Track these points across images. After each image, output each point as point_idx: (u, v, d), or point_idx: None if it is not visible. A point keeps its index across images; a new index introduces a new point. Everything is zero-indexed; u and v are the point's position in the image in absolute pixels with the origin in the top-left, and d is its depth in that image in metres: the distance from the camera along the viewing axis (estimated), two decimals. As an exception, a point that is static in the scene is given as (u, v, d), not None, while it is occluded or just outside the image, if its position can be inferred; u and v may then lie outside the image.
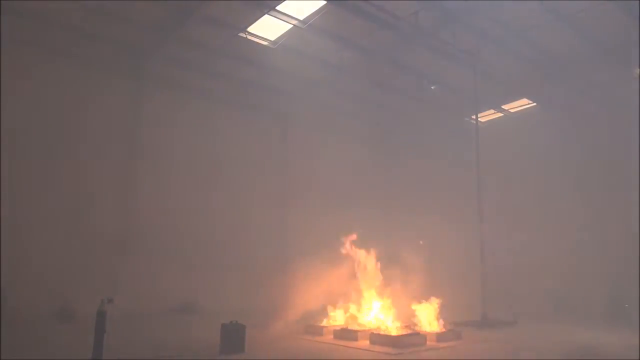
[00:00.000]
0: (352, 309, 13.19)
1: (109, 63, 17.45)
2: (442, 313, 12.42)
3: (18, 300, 13.57)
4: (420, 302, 12.48)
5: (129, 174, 17.58)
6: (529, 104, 22.09)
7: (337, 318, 13.28)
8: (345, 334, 11.76)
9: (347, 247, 13.33)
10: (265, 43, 17.33)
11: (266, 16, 15.72)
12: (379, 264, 13.37)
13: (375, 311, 12.98)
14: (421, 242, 17.24)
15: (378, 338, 11.06)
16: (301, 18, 15.95)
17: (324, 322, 13.07)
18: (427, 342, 11.06)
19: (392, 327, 12.03)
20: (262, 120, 21.61)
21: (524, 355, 10.11)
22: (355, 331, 11.78)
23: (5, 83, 14.84)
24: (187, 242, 18.18)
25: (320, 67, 19.13)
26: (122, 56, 17.61)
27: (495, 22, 15.86)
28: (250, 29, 16.47)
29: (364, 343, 11.06)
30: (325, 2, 15.02)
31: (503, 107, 22.61)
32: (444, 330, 12.01)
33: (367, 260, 13.36)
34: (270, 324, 12.36)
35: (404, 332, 11.59)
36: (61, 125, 16.32)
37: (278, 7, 15.27)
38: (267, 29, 16.59)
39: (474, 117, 18.32)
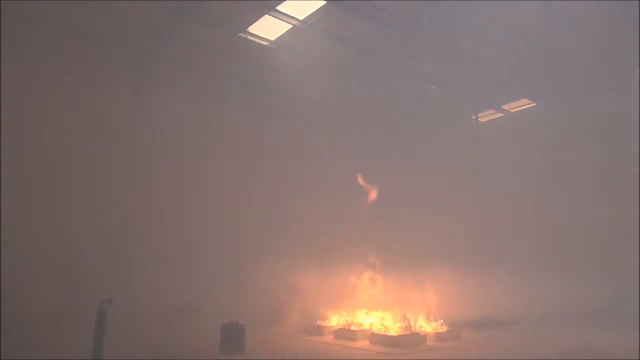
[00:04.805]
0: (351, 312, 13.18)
1: (109, 63, 17.43)
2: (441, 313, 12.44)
3: (18, 300, 13.55)
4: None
5: (128, 173, 17.55)
6: (529, 104, 22.09)
7: (337, 318, 13.24)
8: (345, 334, 11.76)
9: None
10: (265, 43, 17.32)
11: (266, 16, 15.73)
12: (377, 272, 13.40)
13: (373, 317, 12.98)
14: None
15: (378, 338, 11.06)
16: (301, 18, 15.96)
17: (324, 322, 13.04)
18: (427, 342, 11.07)
19: (392, 327, 12.02)
20: (262, 120, 21.58)
21: (523, 355, 10.09)
22: (355, 331, 11.77)
23: (5, 83, 14.83)
24: (187, 241, 18.14)
25: (321, 67, 19.10)
26: (123, 56, 17.59)
27: (495, 21, 15.86)
28: (250, 29, 16.47)
29: (364, 343, 11.06)
30: (325, 2, 15.02)
31: (503, 107, 22.62)
32: (444, 330, 12.00)
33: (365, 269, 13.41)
34: (270, 324, 12.34)
35: (404, 332, 11.58)
36: (61, 125, 16.29)
37: (278, 7, 15.27)
38: (267, 29, 16.60)
39: (474, 117, 18.32)
